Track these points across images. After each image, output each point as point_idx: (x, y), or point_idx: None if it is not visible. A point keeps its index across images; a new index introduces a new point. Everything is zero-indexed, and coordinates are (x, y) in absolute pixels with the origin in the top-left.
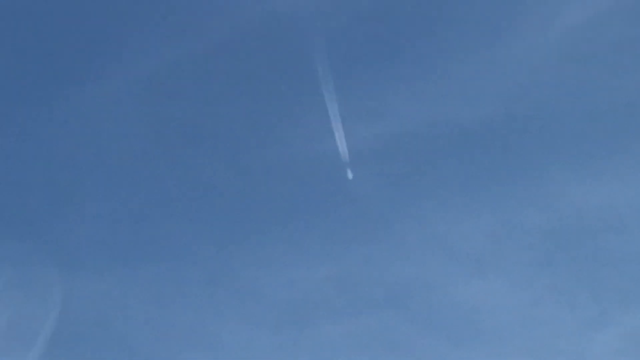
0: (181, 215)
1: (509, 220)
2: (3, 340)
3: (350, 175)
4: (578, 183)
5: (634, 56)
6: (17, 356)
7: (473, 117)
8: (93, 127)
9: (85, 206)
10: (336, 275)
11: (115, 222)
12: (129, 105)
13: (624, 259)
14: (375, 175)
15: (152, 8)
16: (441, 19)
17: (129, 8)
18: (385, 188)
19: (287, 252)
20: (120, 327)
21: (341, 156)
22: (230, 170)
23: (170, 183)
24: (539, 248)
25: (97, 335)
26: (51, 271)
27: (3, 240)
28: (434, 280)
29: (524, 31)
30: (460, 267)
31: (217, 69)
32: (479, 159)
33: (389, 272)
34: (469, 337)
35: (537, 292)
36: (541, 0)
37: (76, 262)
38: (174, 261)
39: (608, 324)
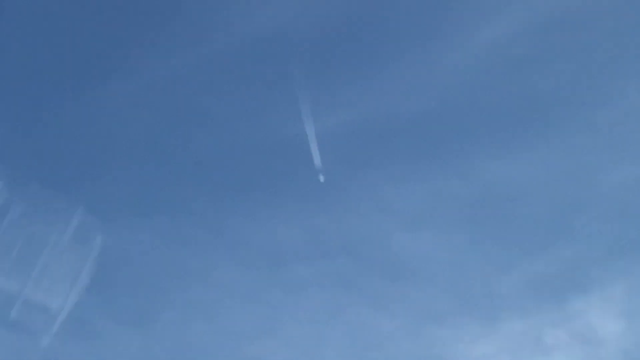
0: (188, 181)
1: (438, 188)
2: (49, 278)
3: (322, 179)
4: (492, 161)
5: (538, 63)
6: (64, 290)
7: (413, 109)
8: (121, 115)
9: (117, 172)
10: (306, 229)
11: (139, 185)
12: (150, 98)
13: (527, 219)
14: (335, 153)
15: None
16: (393, 31)
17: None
18: (342, 162)
19: (268, 210)
20: (141, 265)
21: (309, 138)
22: (226, 149)
23: (178, 156)
24: (461, 210)
25: (122, 274)
26: (91, 221)
27: (56, 196)
28: (379, 234)
29: (455, 43)
30: (400, 224)
31: (213, 71)
32: (416, 141)
33: (345, 227)
34: (405, 278)
35: (459, 244)
36: (467, 18)
37: (110, 215)
38: (182, 215)
39: (513, 270)
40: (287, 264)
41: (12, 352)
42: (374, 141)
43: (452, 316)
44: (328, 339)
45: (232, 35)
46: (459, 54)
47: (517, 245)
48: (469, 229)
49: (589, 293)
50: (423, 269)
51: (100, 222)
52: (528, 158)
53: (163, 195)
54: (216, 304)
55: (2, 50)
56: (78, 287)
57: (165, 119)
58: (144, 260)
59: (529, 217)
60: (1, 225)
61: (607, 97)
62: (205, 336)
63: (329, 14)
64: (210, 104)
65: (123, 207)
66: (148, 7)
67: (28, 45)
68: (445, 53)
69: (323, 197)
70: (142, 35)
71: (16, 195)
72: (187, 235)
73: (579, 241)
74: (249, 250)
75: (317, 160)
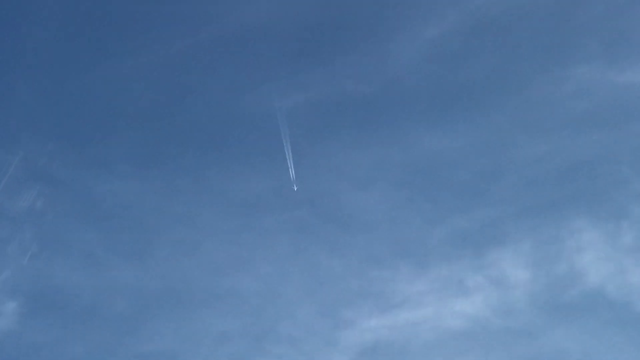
0: (176, 141)
1: (383, 155)
2: None
3: (295, 188)
4: (427, 135)
5: (467, 57)
6: None
7: (364, 90)
8: (125, 86)
9: (119, 134)
10: (275, 185)
11: (136, 144)
12: (150, 74)
13: (454, 182)
14: (298, 125)
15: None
16: (352, 27)
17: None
18: (304, 133)
19: (244, 168)
20: (136, 209)
21: (277, 112)
22: (210, 117)
23: (170, 122)
24: (400, 173)
25: (122, 216)
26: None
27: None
28: (334, 191)
29: (402, 38)
30: (351, 183)
31: (202, 55)
32: (365, 117)
33: (304, 185)
34: (353, 228)
35: (398, 201)
36: (411, 17)
37: (114, 168)
38: (172, 169)
39: (442, 224)
40: (257, 212)
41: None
42: (330, 116)
43: (390, 260)
44: (289, 275)
45: (219, 27)
46: (405, 46)
47: (445, 204)
48: (407, 189)
49: (503, 246)
50: (368, 221)
51: (107, 174)
52: (456, 133)
53: (156, 153)
54: (199, 244)
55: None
56: None
57: (160, 91)
58: (141, 205)
59: (455, 181)
60: None
61: (520, 85)
62: (189, 270)
63: (299, 13)
64: (198, 81)
65: (124, 161)
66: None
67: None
68: (394, 46)
69: (291, 157)
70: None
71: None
72: (176, 186)
73: (495, 203)
74: (227, 200)
75: (283, 130)
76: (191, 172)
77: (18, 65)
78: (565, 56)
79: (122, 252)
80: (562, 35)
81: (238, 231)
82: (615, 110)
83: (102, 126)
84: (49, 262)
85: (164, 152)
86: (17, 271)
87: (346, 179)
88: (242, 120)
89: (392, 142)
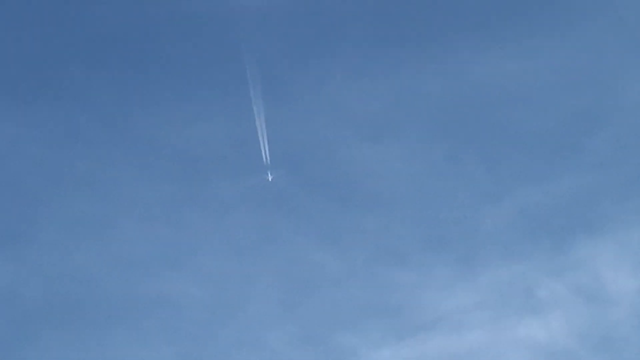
0: (82, 59)
1: (407, 87)
2: None
3: (270, 177)
4: (478, 55)
5: None
6: None
7: None
8: None
9: None
10: (233, 133)
11: (16, 62)
12: None
13: (523, 135)
14: (273, 34)
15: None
16: None
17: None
18: (282, 47)
19: (187, 106)
20: (13, 166)
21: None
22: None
23: (69, 26)
24: (437, 118)
25: None
26: None
27: None
28: (328, 143)
29: None
30: (355, 132)
31: None
32: (379, 23)
33: (284, 133)
34: (359, 203)
35: (433, 161)
36: None
37: None
38: (73, 104)
39: (502, 198)
40: (207, 177)
41: None
42: (324, 21)
43: (419, 256)
44: (254, 276)
45: None
46: None
47: (507, 169)
48: (447, 144)
49: (597, 236)
50: (384, 193)
51: None
52: (526, 52)
53: (49, 77)
54: (111, 222)
55: None
56: None
57: None
58: (19, 161)
59: (525, 132)
60: None
61: None
62: (93, 263)
63: None
64: None
65: None
66: None
67: None
68: None
69: (258, 92)
70: None
71: None
72: (79, 130)
73: (588, 169)
74: (159, 157)
75: (246, 42)
76: (102, 109)
77: None
78: None
79: None
80: None
81: (173, 205)
82: None
83: None
84: None
85: (56, 76)
86: None
87: (348, 124)
88: (184, 29)
89: (420, 65)
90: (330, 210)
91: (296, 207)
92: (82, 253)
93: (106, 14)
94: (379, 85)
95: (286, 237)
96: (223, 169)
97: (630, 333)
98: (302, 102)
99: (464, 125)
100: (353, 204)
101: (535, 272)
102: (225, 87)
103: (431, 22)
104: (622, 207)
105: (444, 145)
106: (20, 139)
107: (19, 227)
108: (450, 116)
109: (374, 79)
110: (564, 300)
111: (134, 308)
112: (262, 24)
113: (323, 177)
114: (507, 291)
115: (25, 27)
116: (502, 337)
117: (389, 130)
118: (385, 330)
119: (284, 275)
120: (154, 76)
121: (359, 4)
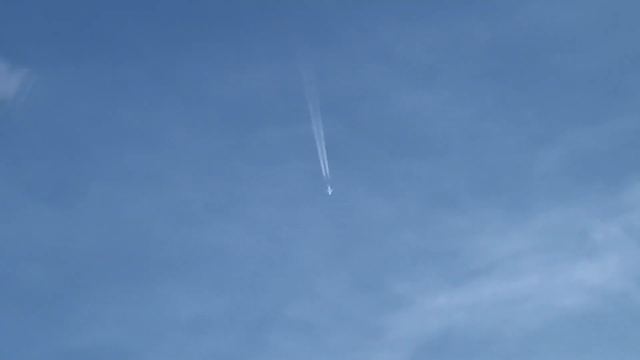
0: (130, 13)
1: (455, 32)
2: None
3: (330, 191)
4: (530, 3)
5: None
6: None
7: None
8: None
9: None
10: (282, 80)
11: (65, 18)
12: None
13: (573, 78)
14: None
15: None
16: None
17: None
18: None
19: (233, 53)
20: (65, 123)
21: None
22: None
23: None
24: (486, 62)
25: (42, 128)
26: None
27: None
28: (377, 90)
29: None
30: (404, 78)
31: None
32: None
33: (333, 81)
34: (411, 148)
35: (483, 106)
36: None
37: (26, 55)
38: (121, 58)
39: (553, 141)
40: (256, 126)
41: None
42: None
43: (471, 201)
44: (305, 225)
45: None
46: None
47: (559, 111)
48: (497, 88)
49: None
50: (434, 138)
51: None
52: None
53: (97, 32)
54: (161, 175)
55: None
56: None
57: None
58: (68, 116)
59: (575, 75)
60: None
61: None
62: (145, 216)
63: None
64: None
65: (43, 46)
66: None
67: None
68: None
69: (306, 41)
70: None
71: None
72: (127, 84)
73: (639, 110)
74: (207, 107)
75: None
76: (150, 62)
77: None
78: None
79: (38, 193)
80: None
81: (223, 156)
82: None
83: None
84: None
85: (104, 30)
86: None
87: (397, 70)
88: None
89: (470, 9)
90: (381, 157)
91: (345, 154)
92: (133, 206)
93: None
94: (429, 31)
95: (337, 184)
96: (272, 117)
97: None
98: (352, 48)
99: (513, 69)
100: (404, 150)
101: (589, 215)
102: (271, 34)
103: None
104: None
105: (492, 88)
106: (70, 94)
107: (71, 181)
108: (499, 61)
109: (423, 24)
110: (618, 242)
111: (186, 259)
112: None
113: (373, 124)
114: (561, 235)
115: None
116: (556, 280)
117: (438, 76)
118: (439, 276)
119: (335, 223)
120: (202, 29)
121: None
